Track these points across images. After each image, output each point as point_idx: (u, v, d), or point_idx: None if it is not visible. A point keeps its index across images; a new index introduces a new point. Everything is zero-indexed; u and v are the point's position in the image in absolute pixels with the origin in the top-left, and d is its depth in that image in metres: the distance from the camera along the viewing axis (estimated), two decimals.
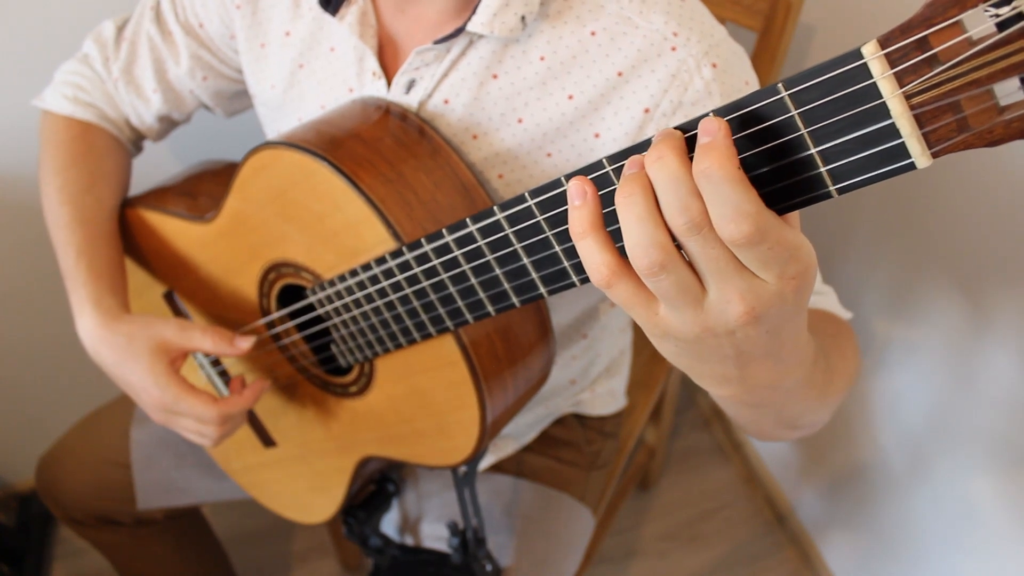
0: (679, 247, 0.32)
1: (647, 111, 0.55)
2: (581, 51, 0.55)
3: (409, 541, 0.83)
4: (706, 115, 0.32)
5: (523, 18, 0.55)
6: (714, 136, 0.30)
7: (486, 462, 0.83)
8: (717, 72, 0.54)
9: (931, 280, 0.88)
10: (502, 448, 0.83)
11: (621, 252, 0.33)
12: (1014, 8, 0.25)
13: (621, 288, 0.34)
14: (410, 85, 0.59)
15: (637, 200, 0.31)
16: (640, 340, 1.11)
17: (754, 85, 0.57)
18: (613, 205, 0.36)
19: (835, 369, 0.49)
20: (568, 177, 0.36)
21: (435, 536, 0.80)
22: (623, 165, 0.34)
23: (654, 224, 0.31)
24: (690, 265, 0.32)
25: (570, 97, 0.56)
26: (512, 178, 0.60)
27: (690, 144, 0.32)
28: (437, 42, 0.56)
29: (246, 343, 0.65)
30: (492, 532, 0.79)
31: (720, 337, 0.33)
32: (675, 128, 0.33)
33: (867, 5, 0.85)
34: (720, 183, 0.29)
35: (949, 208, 0.83)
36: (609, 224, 0.36)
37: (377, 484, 0.83)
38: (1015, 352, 0.80)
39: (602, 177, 0.35)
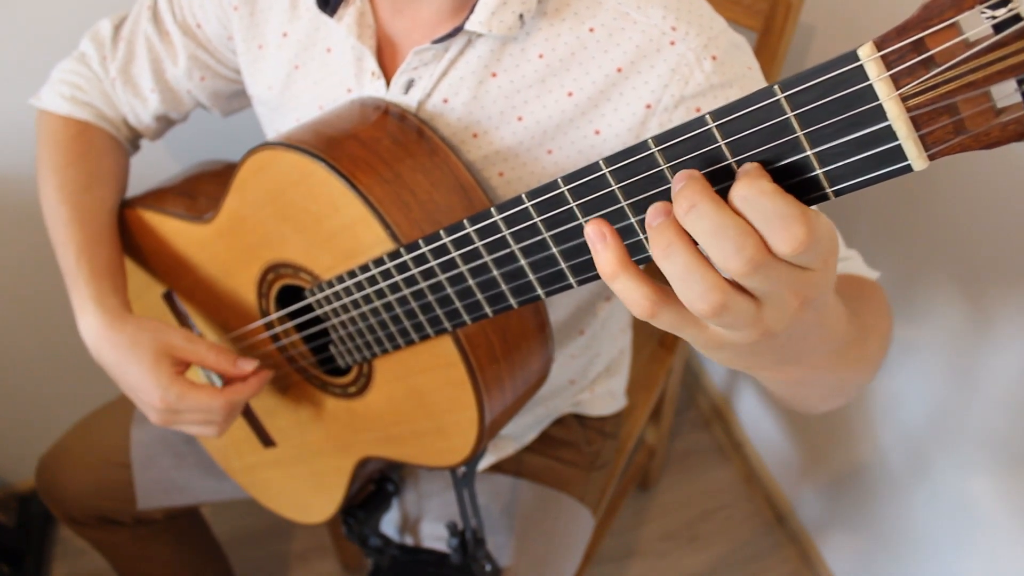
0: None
1: (648, 106, 0.55)
2: (580, 48, 0.55)
3: (409, 541, 0.83)
4: (703, 117, 0.32)
5: (521, 16, 0.55)
6: (746, 171, 0.30)
7: (486, 462, 0.83)
8: (717, 64, 0.54)
9: (931, 280, 0.88)
10: (502, 448, 0.83)
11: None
12: (1011, 10, 0.25)
13: (666, 316, 0.33)
14: (409, 85, 0.59)
15: (677, 251, 0.31)
16: (640, 340, 1.11)
17: (756, 70, 0.57)
18: (611, 207, 0.36)
19: (868, 327, 0.49)
20: (565, 180, 0.36)
21: (435, 536, 0.80)
22: (620, 167, 0.34)
23: (702, 271, 0.31)
24: (740, 287, 0.32)
25: (569, 94, 0.56)
26: (512, 176, 0.60)
27: (693, 148, 0.32)
28: (435, 41, 0.56)
29: (249, 365, 0.66)
30: (491, 532, 0.79)
31: (777, 335, 0.33)
32: (671, 130, 0.32)
33: (867, 5, 0.85)
34: (760, 198, 0.29)
35: (949, 208, 0.83)
36: (611, 222, 0.36)
37: (377, 484, 0.83)
38: (1015, 352, 0.80)
39: (599, 179, 0.35)
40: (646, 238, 0.35)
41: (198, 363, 0.65)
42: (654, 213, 0.32)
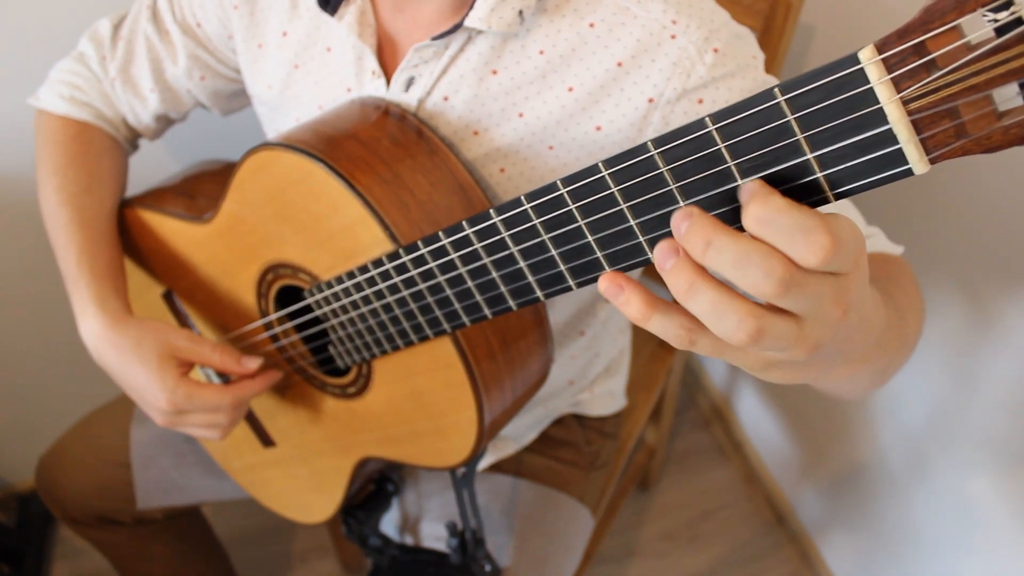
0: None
1: (651, 100, 0.55)
2: (580, 43, 0.55)
3: (409, 541, 0.83)
4: (703, 119, 0.32)
5: (521, 12, 0.54)
6: (753, 191, 0.29)
7: (485, 462, 0.83)
8: (719, 57, 0.54)
9: (931, 280, 0.88)
10: (502, 448, 0.83)
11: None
12: (1012, 13, 0.25)
13: (705, 342, 0.33)
14: (409, 83, 0.59)
15: (700, 289, 0.30)
16: (640, 340, 1.11)
17: (761, 60, 0.56)
18: (610, 209, 0.36)
19: (903, 305, 0.48)
20: (564, 182, 0.36)
21: (435, 536, 0.80)
22: (619, 169, 0.34)
23: (732, 303, 0.30)
24: (776, 307, 0.31)
25: (570, 89, 0.56)
26: (514, 172, 0.60)
27: (693, 151, 0.32)
28: (435, 38, 0.56)
29: (253, 363, 0.66)
30: (491, 532, 0.79)
31: (825, 346, 0.32)
32: (672, 132, 0.32)
33: (867, 6, 0.85)
34: (776, 215, 0.29)
35: (949, 208, 0.83)
36: (610, 225, 0.35)
37: (377, 484, 0.83)
38: (1015, 352, 0.80)
39: (598, 181, 0.35)
40: (647, 241, 0.35)
41: (203, 363, 0.65)
42: (663, 256, 0.31)
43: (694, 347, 0.33)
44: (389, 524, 0.85)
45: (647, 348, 1.12)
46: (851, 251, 0.29)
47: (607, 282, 0.33)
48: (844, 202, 0.58)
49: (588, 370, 0.84)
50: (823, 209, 0.31)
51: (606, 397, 0.90)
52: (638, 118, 0.56)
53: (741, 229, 0.30)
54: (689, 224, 0.30)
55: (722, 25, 0.55)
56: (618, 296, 0.33)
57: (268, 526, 1.35)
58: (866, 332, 0.35)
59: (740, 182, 0.32)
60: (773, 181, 0.31)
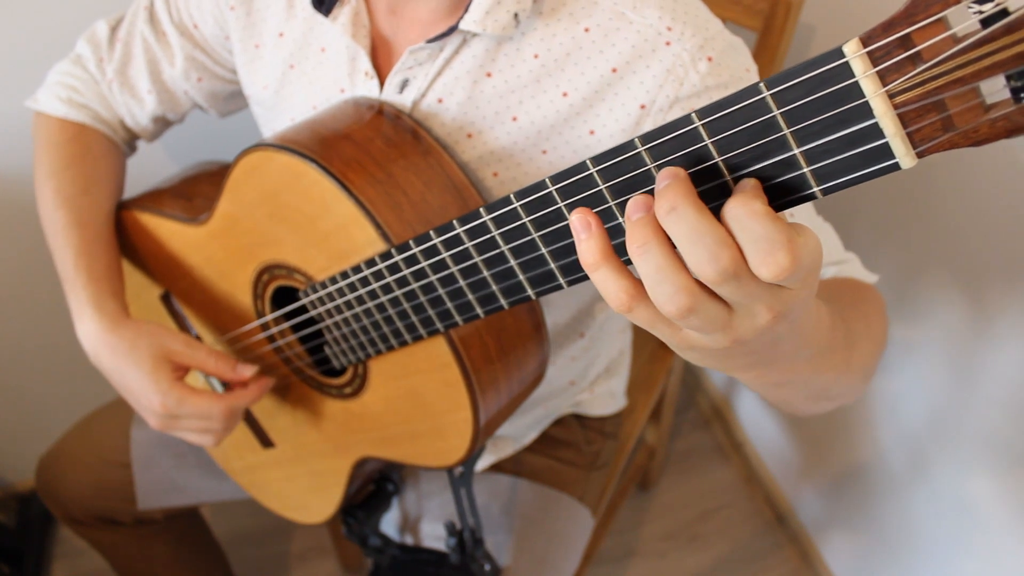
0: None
1: (643, 107, 0.55)
2: (575, 48, 0.55)
3: (409, 541, 0.83)
4: (690, 115, 0.31)
5: (516, 16, 0.54)
6: (742, 188, 0.29)
7: (485, 462, 0.83)
8: (712, 66, 0.53)
9: (931, 280, 0.87)
10: (501, 448, 0.83)
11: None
12: (998, 4, 0.25)
13: (642, 312, 0.33)
14: (403, 85, 0.59)
15: (652, 247, 0.31)
16: (640, 340, 1.11)
17: (754, 72, 0.56)
18: (599, 206, 0.35)
19: (857, 332, 0.48)
20: (553, 180, 0.36)
21: (435, 536, 0.80)
22: (607, 167, 0.34)
23: (674, 271, 0.31)
24: (713, 292, 0.32)
25: (564, 94, 0.56)
26: (507, 176, 0.60)
27: (680, 147, 0.32)
28: (430, 41, 0.56)
29: (248, 371, 0.66)
30: (491, 532, 0.79)
31: (748, 343, 0.33)
32: (659, 128, 0.32)
33: (867, 5, 0.85)
34: (747, 220, 0.29)
35: (949, 208, 0.82)
36: (606, 221, 0.35)
37: (376, 484, 0.83)
38: (1015, 352, 0.80)
39: (586, 179, 0.35)
40: None
41: (197, 368, 0.65)
42: (634, 207, 0.32)
43: (630, 314, 0.33)
44: (389, 524, 0.85)
45: (647, 348, 1.12)
46: (805, 273, 0.30)
47: (579, 216, 0.33)
48: (826, 226, 0.59)
49: (588, 371, 0.84)
50: (822, 203, 0.31)
51: (606, 397, 0.90)
52: (630, 124, 0.55)
53: None
54: (667, 184, 0.31)
55: (717, 34, 0.54)
56: (583, 232, 0.33)
57: (268, 526, 1.35)
58: (796, 344, 0.36)
59: (727, 178, 0.32)
60: (759, 177, 0.31)
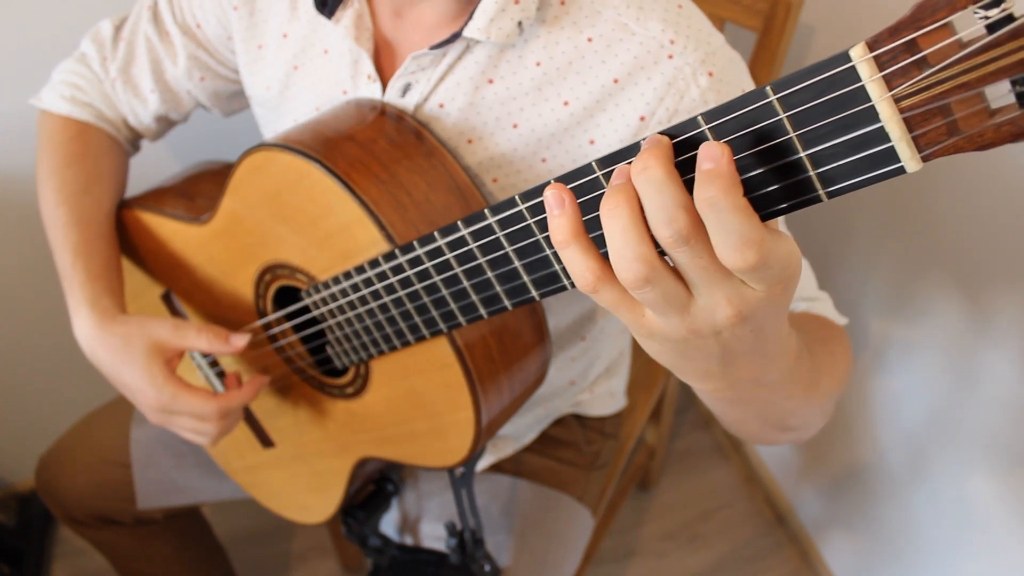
0: (663, 252, 0.32)
1: (643, 119, 0.55)
2: (577, 57, 0.55)
3: (409, 541, 0.83)
4: (695, 118, 0.32)
5: (520, 24, 0.54)
6: (717, 162, 0.29)
7: (485, 462, 0.83)
8: (713, 81, 0.54)
9: (931, 280, 0.88)
10: (501, 448, 0.83)
11: (606, 256, 0.33)
12: (1003, 10, 0.25)
13: (606, 293, 0.34)
14: (406, 89, 0.59)
15: (622, 212, 0.31)
16: None
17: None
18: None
19: (822, 368, 0.49)
20: (556, 181, 0.36)
21: (435, 536, 0.80)
22: (613, 170, 0.34)
23: (638, 237, 0.31)
24: (676, 271, 0.32)
25: (565, 103, 0.56)
26: (507, 183, 0.60)
27: (679, 149, 0.32)
28: (434, 47, 0.56)
29: (241, 340, 0.64)
30: (491, 532, 0.79)
31: (706, 338, 0.33)
32: (664, 132, 0.32)
33: (867, 6, 0.85)
34: (726, 212, 0.29)
35: (949, 208, 0.83)
36: (595, 229, 0.36)
37: (376, 484, 0.83)
38: (1015, 352, 0.80)
39: (592, 182, 0.35)
40: None
41: (189, 348, 0.64)
42: (617, 174, 0.32)
43: (595, 295, 0.34)
44: (389, 524, 0.85)
45: None
46: (770, 276, 0.30)
47: (553, 191, 0.33)
48: (803, 261, 0.59)
49: (588, 371, 0.84)
50: (823, 206, 0.31)
51: (606, 397, 0.90)
52: (629, 135, 0.56)
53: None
54: (648, 147, 0.31)
55: (718, 48, 0.55)
56: (556, 208, 0.33)
57: (268, 526, 1.35)
58: (757, 360, 0.36)
59: None
60: (764, 180, 0.31)
